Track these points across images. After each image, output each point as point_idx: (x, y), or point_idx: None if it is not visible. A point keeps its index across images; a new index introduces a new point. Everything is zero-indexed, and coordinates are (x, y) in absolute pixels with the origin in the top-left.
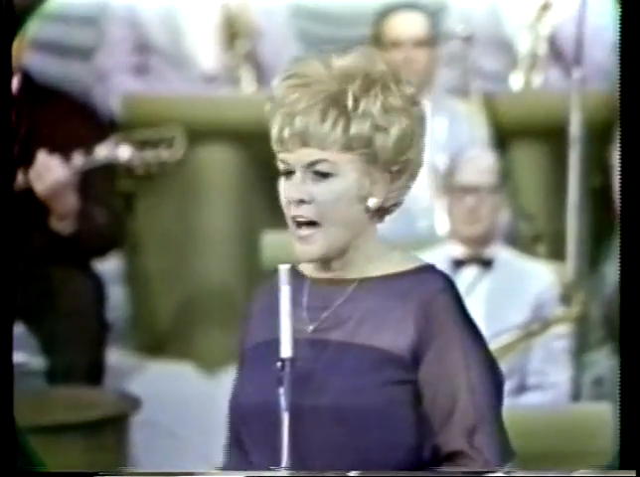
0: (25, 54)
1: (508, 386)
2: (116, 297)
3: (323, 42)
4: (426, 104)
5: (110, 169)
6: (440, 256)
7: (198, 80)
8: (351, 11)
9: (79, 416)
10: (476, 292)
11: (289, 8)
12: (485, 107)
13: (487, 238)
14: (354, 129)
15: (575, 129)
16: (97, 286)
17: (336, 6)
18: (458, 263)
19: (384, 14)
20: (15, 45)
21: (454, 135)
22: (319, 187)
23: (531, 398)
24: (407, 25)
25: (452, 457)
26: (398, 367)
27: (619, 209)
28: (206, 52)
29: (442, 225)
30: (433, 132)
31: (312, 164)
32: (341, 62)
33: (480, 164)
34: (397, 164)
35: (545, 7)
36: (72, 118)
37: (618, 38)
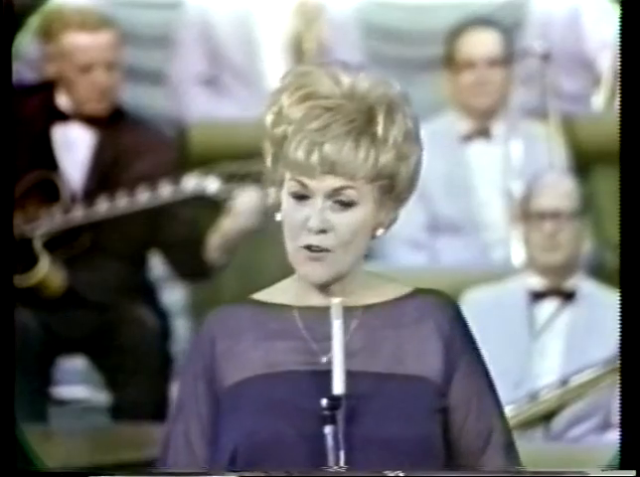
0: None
1: (592, 423)
2: (181, 330)
3: (393, 61)
4: (501, 127)
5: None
6: (517, 288)
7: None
8: (422, 29)
9: (143, 454)
10: (556, 326)
11: (359, 25)
12: (564, 130)
13: (568, 269)
14: (383, 160)
15: None
16: (162, 319)
17: (407, 24)
18: (537, 296)
19: (456, 32)
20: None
21: (531, 160)
22: (340, 216)
23: (616, 437)
24: (481, 44)
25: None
26: (437, 394)
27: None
28: (274, 69)
29: (518, 254)
30: (509, 156)
31: (336, 192)
32: (359, 82)
33: (559, 189)
34: (408, 193)
35: None
36: (156, 148)
37: (618, 38)
